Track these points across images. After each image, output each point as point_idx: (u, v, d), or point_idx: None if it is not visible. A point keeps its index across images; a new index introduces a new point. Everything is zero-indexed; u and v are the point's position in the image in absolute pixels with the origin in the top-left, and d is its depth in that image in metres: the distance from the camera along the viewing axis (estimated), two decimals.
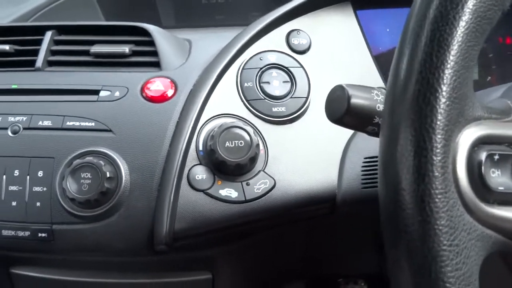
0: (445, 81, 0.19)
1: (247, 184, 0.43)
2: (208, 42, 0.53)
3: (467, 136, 0.21)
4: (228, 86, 0.46)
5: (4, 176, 0.42)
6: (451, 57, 0.19)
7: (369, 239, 0.58)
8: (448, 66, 0.19)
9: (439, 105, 0.19)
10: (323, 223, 0.54)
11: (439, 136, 0.19)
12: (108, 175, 0.40)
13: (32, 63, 0.48)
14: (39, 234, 0.41)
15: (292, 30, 0.50)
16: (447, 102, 0.19)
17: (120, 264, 0.45)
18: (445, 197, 0.19)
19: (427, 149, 0.19)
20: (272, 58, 0.48)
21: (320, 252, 0.62)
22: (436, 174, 0.19)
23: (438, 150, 0.19)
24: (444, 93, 0.19)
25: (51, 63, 0.49)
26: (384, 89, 0.33)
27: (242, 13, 0.80)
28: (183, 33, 0.56)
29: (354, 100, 0.31)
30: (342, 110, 0.31)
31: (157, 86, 0.45)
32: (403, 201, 0.19)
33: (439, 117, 0.19)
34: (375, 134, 0.33)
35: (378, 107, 0.31)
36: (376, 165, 0.46)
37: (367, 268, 0.68)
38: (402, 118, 0.20)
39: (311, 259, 0.63)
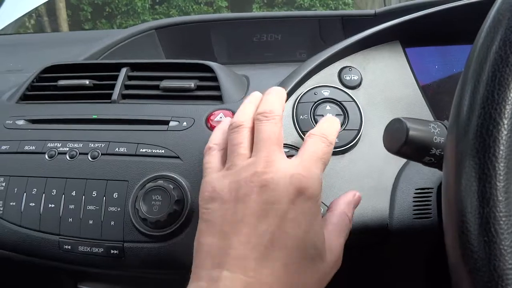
0: (506, 115, 0.22)
1: None
2: (264, 78, 0.57)
3: None
4: (284, 118, 0.50)
5: (83, 197, 0.47)
6: (511, 94, 0.22)
7: (418, 273, 0.58)
8: (509, 102, 0.21)
9: (501, 137, 0.21)
10: (370, 255, 0.55)
11: (502, 164, 0.21)
12: (176, 198, 0.44)
13: (108, 96, 0.54)
14: (112, 251, 0.45)
15: (344, 67, 0.53)
16: (509, 134, 0.22)
17: (182, 281, 0.48)
18: (509, 219, 0.21)
19: (491, 175, 0.21)
20: (326, 92, 0.51)
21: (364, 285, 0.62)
22: (500, 198, 0.21)
23: (501, 177, 0.21)
24: (505, 126, 0.21)
25: (124, 96, 0.55)
26: (441, 122, 0.36)
27: (290, 51, 0.85)
28: (237, 68, 0.61)
29: (412, 132, 0.33)
30: (401, 141, 0.33)
31: (220, 117, 0.49)
32: (469, 223, 0.21)
33: (501, 147, 0.21)
34: (432, 164, 0.35)
35: (435, 139, 0.33)
36: (427, 196, 0.48)
37: None
38: (467, 149, 0.22)
39: None
